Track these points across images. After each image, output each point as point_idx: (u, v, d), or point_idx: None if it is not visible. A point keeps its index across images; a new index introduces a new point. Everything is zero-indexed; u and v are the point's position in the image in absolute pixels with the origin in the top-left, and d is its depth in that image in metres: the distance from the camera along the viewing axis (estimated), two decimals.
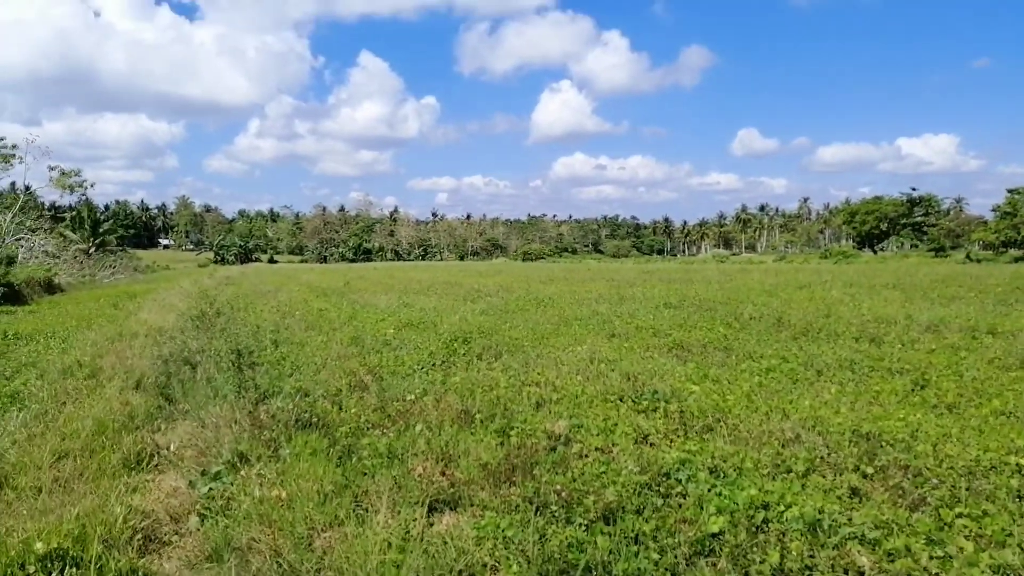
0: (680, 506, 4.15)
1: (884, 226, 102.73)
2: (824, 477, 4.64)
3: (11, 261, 31.79)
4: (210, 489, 4.63)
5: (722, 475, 4.52)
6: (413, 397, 7.44)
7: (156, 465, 5.69)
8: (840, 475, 4.64)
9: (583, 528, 3.82)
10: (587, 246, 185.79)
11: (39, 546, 3.36)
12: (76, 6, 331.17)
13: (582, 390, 7.41)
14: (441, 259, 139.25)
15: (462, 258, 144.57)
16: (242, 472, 4.93)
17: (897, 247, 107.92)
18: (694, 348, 10.34)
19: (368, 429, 6.27)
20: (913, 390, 7.40)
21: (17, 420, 6.43)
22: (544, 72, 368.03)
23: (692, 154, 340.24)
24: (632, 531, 3.77)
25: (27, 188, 59.05)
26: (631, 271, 45.93)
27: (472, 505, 4.39)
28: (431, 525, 4.19)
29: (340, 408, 7.17)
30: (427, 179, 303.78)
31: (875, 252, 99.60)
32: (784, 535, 3.70)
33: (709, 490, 4.25)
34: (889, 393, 7.30)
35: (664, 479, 4.55)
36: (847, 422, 5.91)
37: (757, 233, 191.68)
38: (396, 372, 8.96)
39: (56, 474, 5.06)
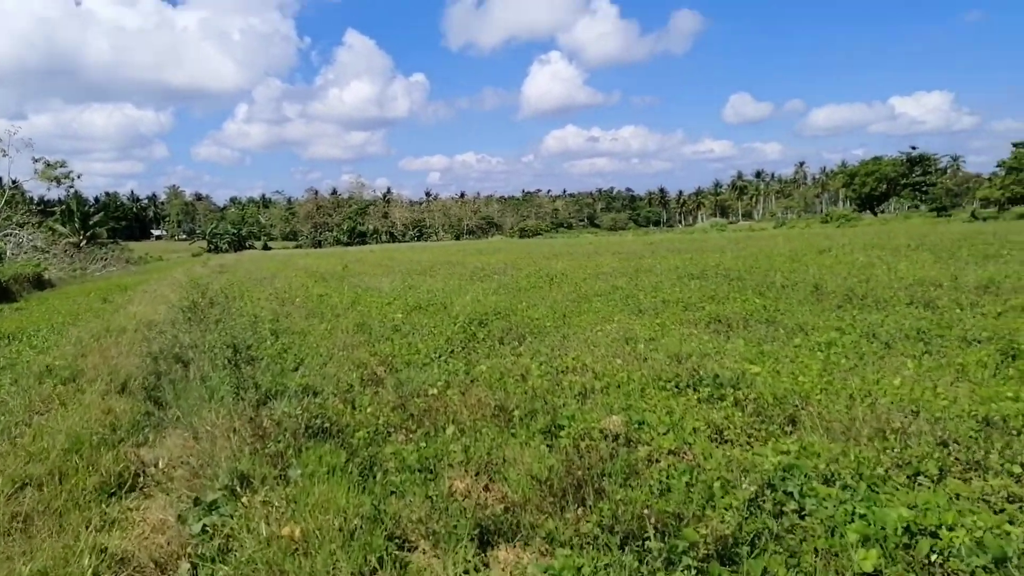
0: (805, 532, 3.25)
1: (884, 187, 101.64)
2: (966, 481, 3.75)
3: None
4: (204, 527, 3.73)
5: (845, 486, 3.61)
6: (436, 391, 6.54)
7: (142, 487, 4.78)
8: (985, 479, 3.75)
9: (694, 572, 2.91)
10: (582, 220, 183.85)
11: None
12: None
13: (627, 376, 6.50)
14: (437, 239, 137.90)
15: (458, 237, 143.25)
16: (244, 499, 4.03)
17: (898, 208, 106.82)
18: (734, 322, 9.44)
19: (389, 434, 5.38)
20: (1003, 362, 6.52)
21: None
22: (533, 44, 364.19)
23: (685, 122, 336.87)
24: (759, 575, 2.87)
25: (13, 182, 57.84)
26: (634, 243, 45.00)
27: (535, 536, 3.49)
28: (486, 566, 3.29)
29: (354, 407, 6.28)
30: (419, 158, 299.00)
31: (875, 214, 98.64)
32: None
33: (835, 507, 3.35)
34: (976, 366, 6.41)
35: (769, 491, 3.65)
36: (954, 406, 5.01)
37: (754, 200, 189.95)
38: (411, 362, 8.05)
39: (15, 508, 4.14)
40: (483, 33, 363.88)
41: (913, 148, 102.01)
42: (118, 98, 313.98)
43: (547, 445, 4.75)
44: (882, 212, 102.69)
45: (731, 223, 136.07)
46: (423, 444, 4.88)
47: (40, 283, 33.77)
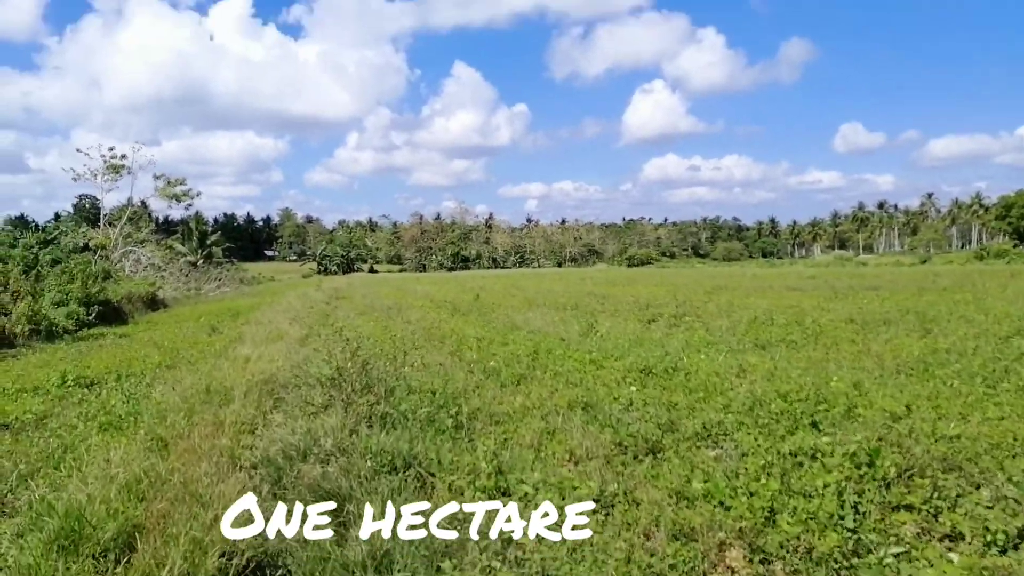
0: None
1: None
2: None
3: (107, 276, 28.91)
4: None
5: None
6: None
7: None
8: None
9: None
10: (686, 250, 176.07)
11: None
12: (194, 29, 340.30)
13: None
14: (539, 266, 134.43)
15: (560, 264, 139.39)
16: None
17: None
18: None
19: None
20: None
21: None
22: (636, 74, 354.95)
23: (791, 152, 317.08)
24: None
25: (142, 202, 58.25)
26: (781, 277, 39.48)
27: None
28: None
29: None
30: (517, 186, 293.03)
31: None
32: None
33: None
34: None
35: None
36: None
37: (875, 233, 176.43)
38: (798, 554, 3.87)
39: None
40: (587, 63, 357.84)
41: None
42: (242, 126, 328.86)
43: None
44: None
45: (855, 256, 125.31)
46: None
47: (154, 303, 31.97)
